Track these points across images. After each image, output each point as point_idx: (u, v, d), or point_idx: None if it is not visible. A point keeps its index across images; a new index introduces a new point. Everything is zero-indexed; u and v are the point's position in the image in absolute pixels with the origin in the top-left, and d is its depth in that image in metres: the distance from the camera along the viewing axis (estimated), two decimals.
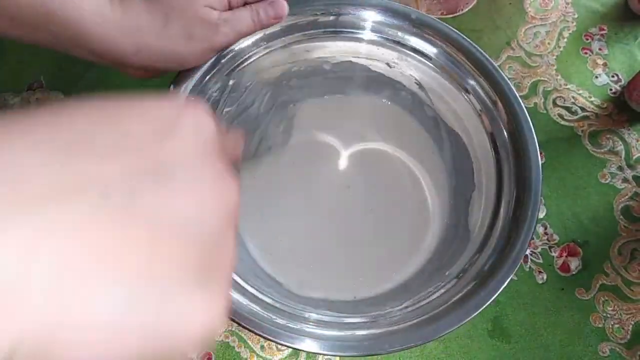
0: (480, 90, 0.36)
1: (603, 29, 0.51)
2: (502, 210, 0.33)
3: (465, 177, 0.38)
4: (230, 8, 0.33)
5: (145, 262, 0.13)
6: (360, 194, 0.41)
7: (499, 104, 0.35)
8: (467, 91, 0.36)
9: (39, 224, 0.11)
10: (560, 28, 0.51)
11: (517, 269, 0.29)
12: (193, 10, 0.30)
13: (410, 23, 0.37)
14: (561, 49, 0.49)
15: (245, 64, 0.36)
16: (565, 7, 0.52)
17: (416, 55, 0.38)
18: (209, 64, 0.34)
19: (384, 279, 0.38)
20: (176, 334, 0.13)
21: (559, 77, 0.48)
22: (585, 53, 0.49)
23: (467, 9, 0.52)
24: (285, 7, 0.35)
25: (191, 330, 0.13)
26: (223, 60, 0.35)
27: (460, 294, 0.30)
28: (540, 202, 0.32)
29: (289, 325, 0.29)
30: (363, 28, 0.37)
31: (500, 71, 0.35)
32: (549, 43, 0.50)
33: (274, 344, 0.38)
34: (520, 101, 0.34)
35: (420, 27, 0.37)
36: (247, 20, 0.33)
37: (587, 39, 0.50)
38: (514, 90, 0.34)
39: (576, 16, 0.51)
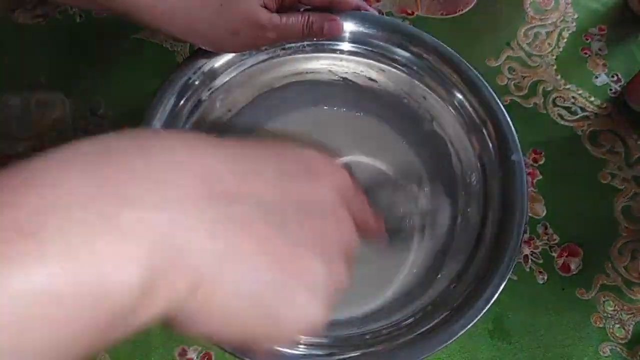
0: (468, 107, 0.35)
1: (603, 29, 0.51)
2: (485, 236, 0.32)
3: (450, 197, 0.37)
4: (283, 5, 0.32)
5: (285, 267, 0.16)
6: None
7: (489, 123, 0.34)
8: (454, 106, 0.36)
9: (221, 215, 0.15)
10: (560, 28, 0.51)
11: (495, 297, 0.29)
12: (246, 8, 0.30)
13: (396, 35, 0.36)
14: (561, 49, 0.49)
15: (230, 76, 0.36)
16: (565, 8, 0.52)
17: (401, 68, 0.37)
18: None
19: (364, 300, 0.37)
20: (287, 323, 0.17)
21: (559, 77, 0.48)
22: (585, 53, 0.49)
23: (467, 9, 0.52)
24: (340, 29, 0.33)
25: (298, 323, 0.17)
26: (199, 77, 0.35)
27: (432, 323, 0.29)
28: (525, 229, 0.31)
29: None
30: (343, 40, 0.36)
31: (488, 87, 0.34)
32: (549, 43, 0.50)
33: None
34: (508, 118, 0.34)
35: (407, 39, 0.36)
36: (296, 31, 0.32)
37: (587, 39, 0.50)
38: (502, 107, 0.34)
39: (576, 16, 0.51)
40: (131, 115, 0.46)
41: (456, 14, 0.51)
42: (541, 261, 0.41)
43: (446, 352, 0.38)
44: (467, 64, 0.35)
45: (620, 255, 0.41)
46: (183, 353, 0.37)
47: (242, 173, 0.16)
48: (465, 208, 0.35)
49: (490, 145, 0.34)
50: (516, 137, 0.33)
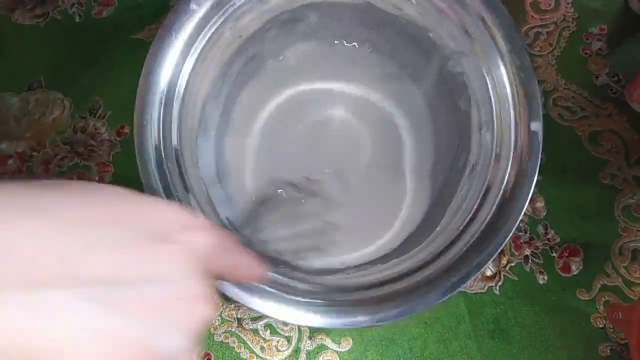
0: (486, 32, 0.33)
1: (603, 29, 0.51)
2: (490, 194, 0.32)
3: (458, 139, 0.36)
4: None
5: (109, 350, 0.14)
6: (346, 151, 0.40)
7: (518, 87, 0.33)
8: (469, 35, 0.34)
9: (32, 304, 0.12)
10: (561, 28, 0.51)
11: (502, 247, 0.29)
12: None
13: None
14: (561, 48, 0.49)
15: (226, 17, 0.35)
16: (566, 7, 0.52)
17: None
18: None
19: (366, 244, 0.37)
20: None
21: (559, 77, 0.48)
22: (586, 53, 0.49)
23: None
24: None
25: None
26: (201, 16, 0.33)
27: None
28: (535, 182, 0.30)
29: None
30: None
31: (522, 37, 0.33)
32: (549, 43, 0.50)
33: (274, 344, 0.38)
34: (537, 84, 0.32)
35: None
36: None
37: (588, 39, 0.50)
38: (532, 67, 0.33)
39: (576, 16, 0.51)
40: (130, 115, 0.46)
41: None
42: (541, 261, 0.41)
43: (447, 352, 0.38)
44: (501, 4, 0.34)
45: (621, 256, 0.41)
46: None
47: (65, 248, 0.13)
48: (476, 163, 0.34)
49: (512, 106, 0.32)
50: (540, 104, 0.32)
